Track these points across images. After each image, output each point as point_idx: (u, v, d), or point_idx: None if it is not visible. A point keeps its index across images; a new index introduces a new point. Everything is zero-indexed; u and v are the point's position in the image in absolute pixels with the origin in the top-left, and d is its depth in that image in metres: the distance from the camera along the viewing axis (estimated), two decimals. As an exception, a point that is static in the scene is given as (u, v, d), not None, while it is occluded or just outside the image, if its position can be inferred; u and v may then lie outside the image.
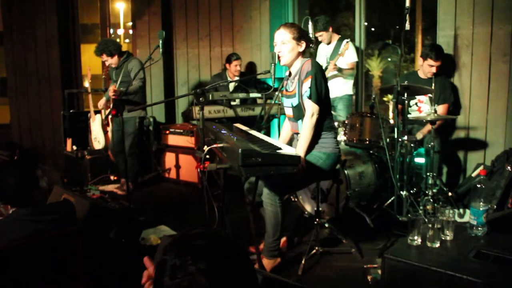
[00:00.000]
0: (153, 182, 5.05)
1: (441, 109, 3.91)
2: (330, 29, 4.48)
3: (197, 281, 0.86)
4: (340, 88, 4.49)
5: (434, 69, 3.85)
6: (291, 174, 2.31)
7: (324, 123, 2.70)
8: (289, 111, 2.82)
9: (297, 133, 2.80)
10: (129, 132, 4.34)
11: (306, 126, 2.63)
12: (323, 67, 4.39)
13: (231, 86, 5.07)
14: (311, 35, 2.86)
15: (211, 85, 4.49)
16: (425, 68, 3.90)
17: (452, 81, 4.10)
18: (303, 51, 2.71)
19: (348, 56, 4.37)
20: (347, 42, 4.25)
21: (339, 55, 4.24)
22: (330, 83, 4.41)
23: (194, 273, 0.86)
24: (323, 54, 4.62)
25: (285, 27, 2.68)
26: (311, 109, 2.60)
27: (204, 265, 0.87)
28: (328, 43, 4.55)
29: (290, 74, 2.80)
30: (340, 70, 4.36)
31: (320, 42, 4.58)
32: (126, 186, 3.64)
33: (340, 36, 4.53)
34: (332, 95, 4.42)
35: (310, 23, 3.28)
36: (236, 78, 5.03)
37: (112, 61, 4.29)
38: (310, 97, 2.58)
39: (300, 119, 2.70)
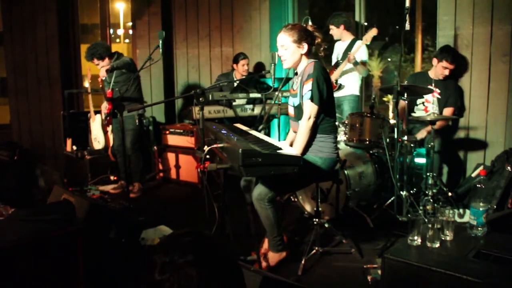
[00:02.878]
0: (153, 182, 5.05)
1: (446, 111, 3.92)
2: (342, 27, 4.40)
3: (187, 273, 0.92)
4: (347, 87, 4.40)
5: (447, 72, 3.86)
6: (283, 176, 2.31)
7: (324, 125, 2.69)
8: (291, 110, 2.83)
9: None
10: (129, 129, 4.36)
11: (303, 128, 2.63)
12: (337, 62, 4.34)
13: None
14: (315, 32, 2.80)
15: (212, 85, 4.51)
16: (439, 69, 3.89)
17: (460, 85, 4.09)
18: (307, 52, 2.69)
19: (361, 53, 4.25)
20: (373, 28, 4.05)
21: (362, 42, 4.08)
22: (340, 81, 4.39)
23: (183, 266, 0.92)
24: (336, 50, 4.56)
25: (284, 31, 2.66)
26: (309, 111, 2.60)
27: (192, 257, 0.93)
28: (339, 40, 4.50)
29: (296, 73, 2.81)
30: (356, 63, 4.21)
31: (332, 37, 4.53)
32: (126, 187, 3.65)
33: (354, 37, 4.45)
34: (339, 94, 4.41)
35: (310, 23, 3.27)
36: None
37: (104, 63, 4.30)
38: (311, 99, 2.57)
39: (300, 119, 2.70)
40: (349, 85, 4.40)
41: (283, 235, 2.81)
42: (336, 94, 4.38)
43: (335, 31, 4.44)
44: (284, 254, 2.79)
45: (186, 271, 0.92)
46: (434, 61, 3.97)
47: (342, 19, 4.42)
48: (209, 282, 0.93)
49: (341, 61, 4.33)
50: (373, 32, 4.03)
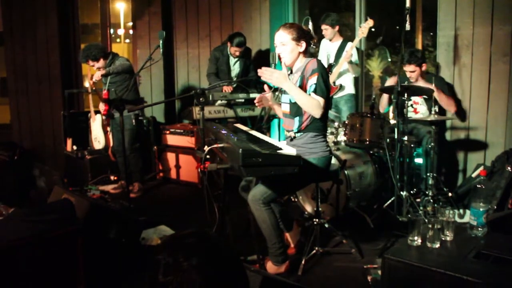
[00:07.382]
0: (153, 182, 5.06)
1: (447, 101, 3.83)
2: (337, 28, 4.40)
3: (190, 277, 0.92)
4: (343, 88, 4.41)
5: (409, 74, 3.81)
6: (281, 178, 2.29)
7: (317, 124, 2.65)
8: (286, 107, 2.78)
9: (291, 130, 2.73)
10: (126, 129, 4.35)
11: (313, 99, 2.51)
12: (331, 65, 4.30)
13: (235, 67, 4.92)
14: (312, 32, 2.81)
15: (212, 85, 4.51)
16: (407, 74, 3.89)
17: (442, 77, 4.06)
18: (304, 51, 2.68)
19: (353, 55, 4.23)
20: (368, 20, 3.98)
21: (359, 35, 3.99)
22: (338, 82, 4.38)
23: (186, 269, 0.92)
24: (324, 50, 4.56)
25: (283, 28, 2.66)
26: (320, 101, 2.53)
27: (196, 261, 0.93)
28: (330, 40, 4.48)
29: (291, 72, 2.78)
30: (351, 61, 4.21)
31: (322, 38, 4.50)
32: (126, 187, 3.65)
33: (343, 38, 4.44)
34: (335, 95, 4.41)
35: (310, 23, 3.27)
36: (236, 59, 4.93)
37: (99, 64, 4.28)
38: (315, 92, 2.52)
39: (297, 116, 2.67)
40: (344, 85, 4.41)
41: (285, 243, 2.73)
42: (333, 95, 4.38)
43: (329, 31, 4.40)
44: (283, 269, 2.69)
45: (190, 275, 0.92)
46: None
47: (337, 19, 4.40)
48: (213, 285, 0.93)
49: (334, 64, 4.29)
50: (369, 23, 3.93)
